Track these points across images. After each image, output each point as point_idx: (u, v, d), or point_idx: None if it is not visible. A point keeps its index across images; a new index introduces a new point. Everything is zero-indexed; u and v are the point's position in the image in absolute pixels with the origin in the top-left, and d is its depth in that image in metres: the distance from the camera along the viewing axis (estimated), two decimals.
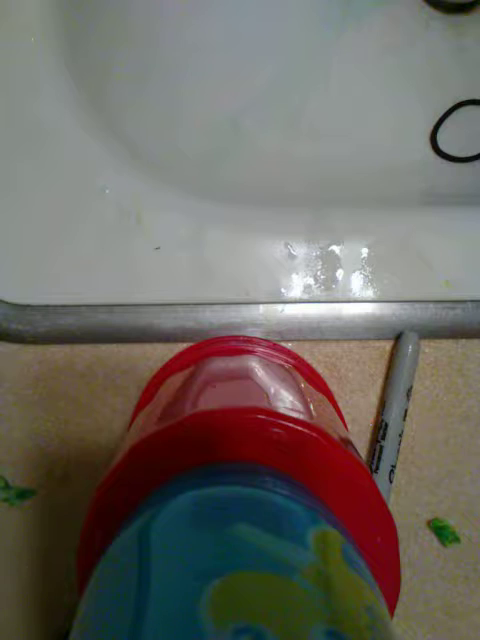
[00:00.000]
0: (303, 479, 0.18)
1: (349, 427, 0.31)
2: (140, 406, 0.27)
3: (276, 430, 0.18)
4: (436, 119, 0.38)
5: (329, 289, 0.30)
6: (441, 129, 0.38)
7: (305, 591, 0.13)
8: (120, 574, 0.14)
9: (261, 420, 0.18)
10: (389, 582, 0.18)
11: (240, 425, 0.18)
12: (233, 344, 0.29)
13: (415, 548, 0.32)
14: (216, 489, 0.16)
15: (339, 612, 0.13)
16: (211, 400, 0.21)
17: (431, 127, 0.38)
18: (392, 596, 0.18)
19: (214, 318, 0.30)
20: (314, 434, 0.18)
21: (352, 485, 0.19)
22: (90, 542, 0.18)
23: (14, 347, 0.30)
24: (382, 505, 0.19)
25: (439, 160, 0.38)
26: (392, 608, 0.18)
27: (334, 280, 0.30)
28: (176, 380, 0.26)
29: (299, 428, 0.18)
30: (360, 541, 0.18)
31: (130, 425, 0.24)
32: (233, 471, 0.18)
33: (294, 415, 0.19)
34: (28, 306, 0.29)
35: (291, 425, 0.18)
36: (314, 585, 0.14)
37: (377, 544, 0.19)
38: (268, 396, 0.21)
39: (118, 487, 0.18)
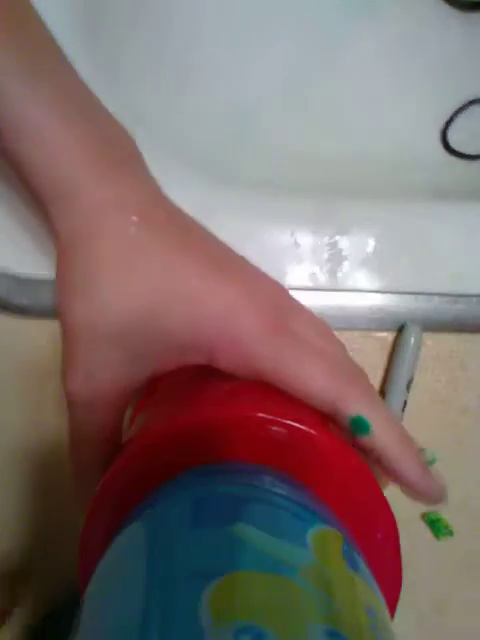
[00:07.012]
0: (303, 478, 0.18)
1: None
2: (140, 406, 0.27)
3: (276, 428, 0.18)
4: (447, 115, 0.38)
5: (333, 278, 0.30)
6: (452, 125, 0.38)
7: (305, 591, 0.13)
8: (120, 574, 0.14)
9: (261, 418, 0.18)
10: (389, 581, 0.18)
11: (240, 424, 0.18)
12: None
13: (407, 541, 0.32)
14: (216, 489, 0.16)
15: (339, 612, 0.13)
16: (211, 399, 0.20)
17: (442, 123, 0.38)
18: (392, 596, 0.18)
19: None
20: (313, 431, 0.18)
21: (352, 481, 0.19)
22: (91, 541, 0.18)
23: (20, 321, 0.29)
24: (382, 501, 0.19)
25: (449, 156, 0.38)
26: (392, 608, 0.18)
27: (339, 270, 0.30)
28: (176, 379, 0.26)
29: (299, 426, 0.18)
30: (360, 539, 0.18)
31: (131, 423, 0.24)
32: (233, 471, 0.17)
33: (294, 410, 0.19)
34: (34, 280, 0.29)
35: (291, 423, 0.18)
36: (314, 585, 0.14)
37: (377, 541, 0.18)
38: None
39: (118, 486, 0.18)
